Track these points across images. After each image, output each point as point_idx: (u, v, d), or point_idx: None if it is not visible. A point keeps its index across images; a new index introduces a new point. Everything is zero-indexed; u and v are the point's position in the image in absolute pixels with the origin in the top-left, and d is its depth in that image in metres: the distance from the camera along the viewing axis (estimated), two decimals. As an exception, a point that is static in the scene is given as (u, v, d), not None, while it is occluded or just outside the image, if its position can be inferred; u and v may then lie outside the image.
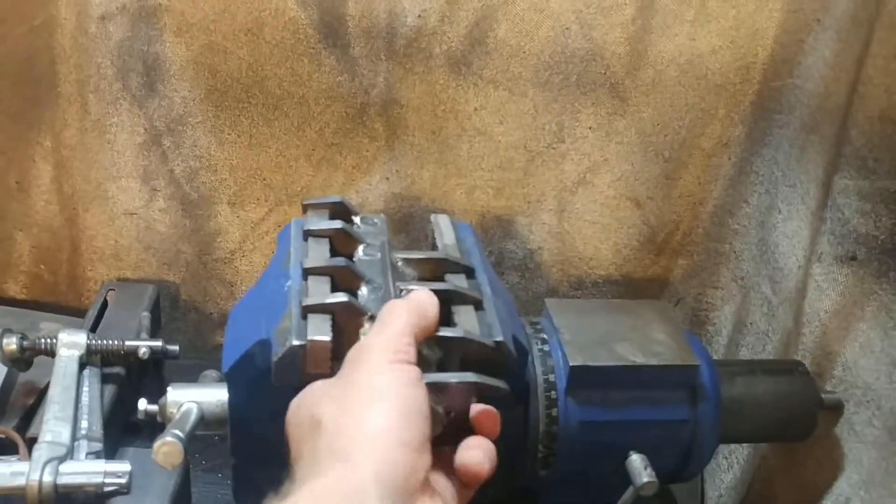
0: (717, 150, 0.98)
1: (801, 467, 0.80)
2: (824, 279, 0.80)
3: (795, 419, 0.75)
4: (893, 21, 0.73)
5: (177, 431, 0.62)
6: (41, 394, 0.93)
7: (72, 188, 1.06)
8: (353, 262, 0.66)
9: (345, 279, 0.64)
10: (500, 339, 0.61)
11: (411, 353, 0.53)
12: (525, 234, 1.07)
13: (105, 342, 0.91)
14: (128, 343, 0.91)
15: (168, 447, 0.61)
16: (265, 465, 0.67)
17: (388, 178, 1.06)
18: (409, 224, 1.08)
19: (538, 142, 1.01)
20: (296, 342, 0.58)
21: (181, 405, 0.67)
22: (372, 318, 0.61)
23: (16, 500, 0.77)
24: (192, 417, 0.66)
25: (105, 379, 0.92)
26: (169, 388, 0.68)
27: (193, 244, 1.11)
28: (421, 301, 0.57)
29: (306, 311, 0.60)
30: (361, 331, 0.61)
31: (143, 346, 0.91)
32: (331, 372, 0.58)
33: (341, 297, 0.60)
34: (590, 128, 1.00)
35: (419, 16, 0.95)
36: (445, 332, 0.59)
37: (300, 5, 0.95)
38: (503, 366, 0.61)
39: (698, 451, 0.71)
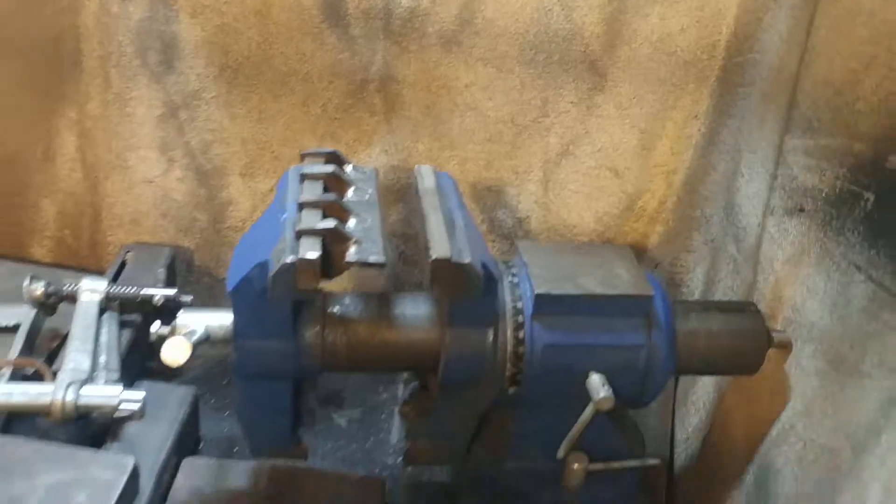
0: (687, 121, 1.06)
1: (754, 403, 0.87)
2: (777, 230, 0.87)
3: (745, 352, 0.82)
4: (834, -5, 0.81)
5: (185, 335, 0.70)
6: (64, 338, 1.02)
7: (94, 157, 1.15)
8: (342, 200, 0.75)
9: (335, 212, 0.72)
10: (467, 260, 0.69)
11: None
12: (513, 204, 1.15)
13: (123, 289, 1.00)
14: (144, 291, 1.00)
15: (176, 341, 0.69)
16: (263, 380, 0.75)
17: (386, 151, 1.14)
18: (406, 194, 1.16)
19: (524, 116, 1.10)
20: (289, 259, 0.67)
21: (190, 327, 0.75)
22: (357, 243, 0.69)
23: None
24: (199, 334, 0.74)
25: (122, 325, 1.01)
26: (180, 312, 0.77)
27: (207, 212, 1.19)
28: None
29: (299, 234, 0.68)
30: (347, 254, 0.69)
31: (158, 293, 1.00)
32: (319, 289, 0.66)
33: (330, 223, 0.69)
34: (571, 102, 1.08)
35: (413, -3, 1.04)
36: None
37: (305, -12, 1.05)
38: (470, 286, 0.70)
39: (653, 376, 0.78)
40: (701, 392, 1.00)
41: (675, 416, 1.03)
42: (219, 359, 1.00)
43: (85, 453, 0.83)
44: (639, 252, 1.15)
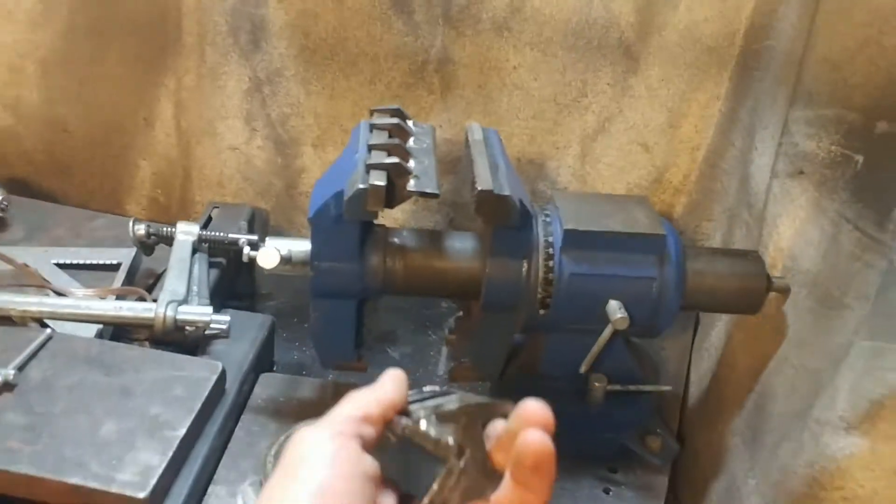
0: (710, 102, 1.18)
1: (756, 341, 0.99)
2: (780, 191, 0.99)
3: (746, 292, 0.94)
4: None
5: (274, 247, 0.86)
6: (159, 276, 1.19)
7: (187, 124, 1.32)
8: (404, 145, 0.90)
9: (398, 153, 0.87)
10: (507, 193, 0.83)
11: (355, 431, 0.53)
12: (553, 176, 1.29)
13: (213, 233, 1.16)
14: (230, 235, 1.16)
15: (267, 249, 0.85)
16: (333, 298, 0.90)
17: (441, 126, 1.29)
18: (456, 166, 1.30)
19: (566, 96, 1.24)
20: (361, 186, 0.81)
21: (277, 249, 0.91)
22: (416, 178, 0.84)
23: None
24: (282, 252, 0.89)
25: (210, 265, 1.17)
26: (266, 239, 0.92)
27: (283, 178, 1.35)
28: (382, 384, 0.57)
29: (369, 167, 0.83)
30: (407, 186, 0.84)
31: (243, 237, 1.16)
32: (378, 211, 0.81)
33: (394, 159, 0.84)
34: (608, 84, 1.21)
35: (470, -12, 1.19)
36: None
37: (377, -21, 1.20)
38: (509, 215, 0.83)
39: (664, 307, 0.91)
40: (714, 340, 1.12)
41: (691, 359, 1.16)
42: (290, 298, 1.17)
43: (182, 357, 0.99)
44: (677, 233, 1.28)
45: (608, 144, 1.25)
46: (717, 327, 1.12)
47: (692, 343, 1.18)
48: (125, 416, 0.89)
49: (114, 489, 0.82)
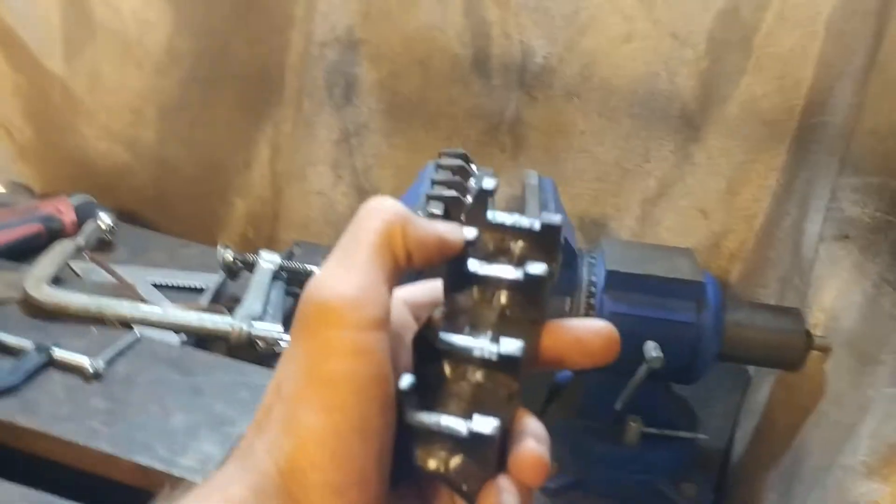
0: (767, 173, 1.23)
1: (796, 398, 1.01)
2: (825, 255, 1.03)
3: (786, 348, 0.98)
4: (883, 64, 0.99)
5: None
6: (240, 301, 1.29)
7: (281, 168, 1.45)
8: (465, 183, 0.98)
9: (457, 189, 0.96)
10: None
11: (388, 304, 0.40)
12: (614, 237, 1.35)
13: (293, 264, 1.26)
14: (309, 267, 1.26)
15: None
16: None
17: (510, 185, 1.37)
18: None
19: (629, 161, 1.31)
20: (418, 213, 0.90)
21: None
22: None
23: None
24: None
25: (287, 293, 1.27)
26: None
27: (361, 224, 1.45)
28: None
29: (428, 198, 0.92)
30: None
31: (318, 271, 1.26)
32: None
33: (452, 192, 0.92)
34: (670, 150, 1.28)
35: (544, 57, 1.28)
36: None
37: (461, 45, 1.32)
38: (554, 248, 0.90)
39: (700, 352, 0.95)
40: (760, 399, 1.14)
41: (738, 418, 1.18)
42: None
43: (250, 366, 1.08)
44: (722, 287, 1.32)
45: (668, 208, 1.31)
46: (763, 388, 1.15)
47: (741, 403, 1.21)
48: (193, 410, 0.98)
49: (175, 472, 0.91)
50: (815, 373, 1.00)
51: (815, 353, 0.99)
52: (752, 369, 1.26)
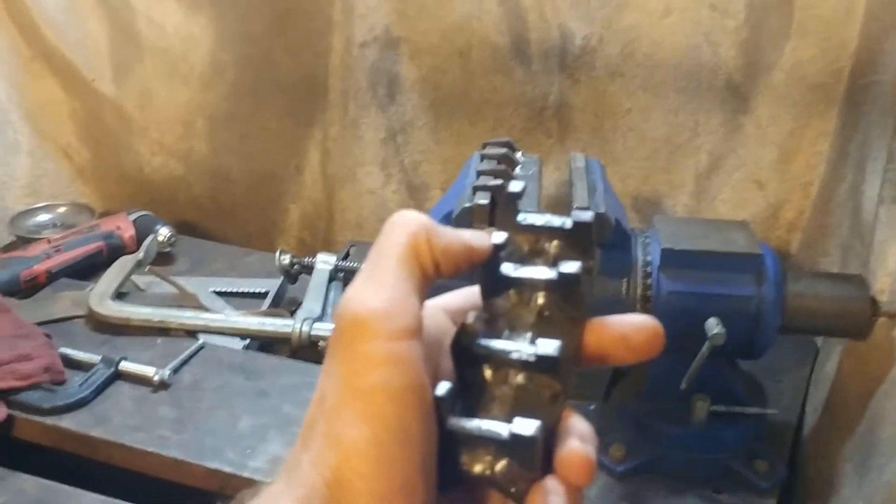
0: (819, 138, 1.20)
1: (866, 366, 0.99)
2: (886, 216, 1.00)
3: (850, 315, 0.95)
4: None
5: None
6: (300, 304, 1.31)
7: (332, 171, 1.47)
8: (511, 171, 0.98)
9: (503, 177, 0.96)
10: (602, 210, 0.89)
11: (419, 313, 0.40)
12: (670, 214, 1.33)
13: (348, 264, 1.28)
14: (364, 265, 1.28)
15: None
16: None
17: (558, 168, 1.37)
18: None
19: (678, 136, 1.29)
20: (466, 205, 0.90)
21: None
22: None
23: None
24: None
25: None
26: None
27: (413, 220, 1.46)
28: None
29: (475, 189, 0.92)
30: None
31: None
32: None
33: (498, 181, 0.92)
34: (719, 123, 1.26)
35: (584, 38, 1.27)
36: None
37: (498, 34, 1.31)
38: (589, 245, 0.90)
39: (762, 326, 0.94)
40: (829, 371, 1.12)
41: (808, 391, 1.15)
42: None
43: (314, 367, 1.10)
44: (782, 258, 1.29)
45: (722, 182, 1.29)
46: (832, 359, 1.12)
47: (810, 375, 1.18)
48: (260, 413, 1.01)
49: (245, 474, 0.93)
50: (883, 340, 0.97)
51: (882, 319, 0.97)
52: (819, 340, 1.24)
